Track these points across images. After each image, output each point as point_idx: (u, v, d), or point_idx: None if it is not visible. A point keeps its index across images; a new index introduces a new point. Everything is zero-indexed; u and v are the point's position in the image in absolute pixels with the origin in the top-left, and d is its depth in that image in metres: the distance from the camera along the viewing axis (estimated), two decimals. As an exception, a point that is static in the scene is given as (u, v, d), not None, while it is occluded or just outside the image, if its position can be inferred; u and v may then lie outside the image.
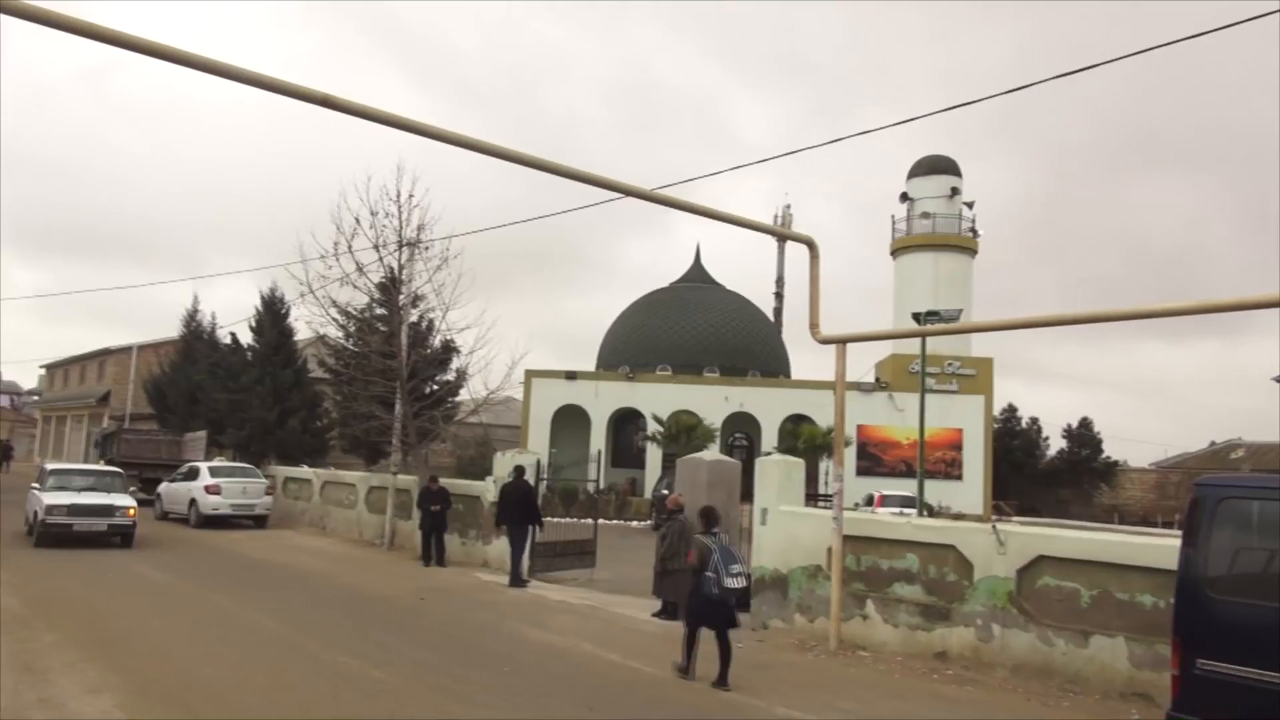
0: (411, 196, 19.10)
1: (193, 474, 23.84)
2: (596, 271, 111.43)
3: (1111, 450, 51.70)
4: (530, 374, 40.90)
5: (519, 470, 15.98)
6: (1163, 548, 8.40)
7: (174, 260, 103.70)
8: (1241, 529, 5.83)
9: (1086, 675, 8.87)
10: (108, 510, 17.39)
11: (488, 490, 17.57)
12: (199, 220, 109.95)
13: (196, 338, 37.03)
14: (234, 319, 69.71)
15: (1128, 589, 8.73)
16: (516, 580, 15.11)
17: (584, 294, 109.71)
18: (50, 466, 19.61)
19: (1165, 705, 5.94)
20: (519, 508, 15.54)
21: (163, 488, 25.02)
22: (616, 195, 10.16)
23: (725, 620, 8.79)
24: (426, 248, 19.35)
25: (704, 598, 8.76)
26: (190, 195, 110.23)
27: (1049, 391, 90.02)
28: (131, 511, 17.53)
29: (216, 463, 25.36)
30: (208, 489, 22.82)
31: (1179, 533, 6.23)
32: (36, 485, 18.82)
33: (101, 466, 19.73)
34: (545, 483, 18.02)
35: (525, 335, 45.13)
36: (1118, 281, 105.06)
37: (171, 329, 39.89)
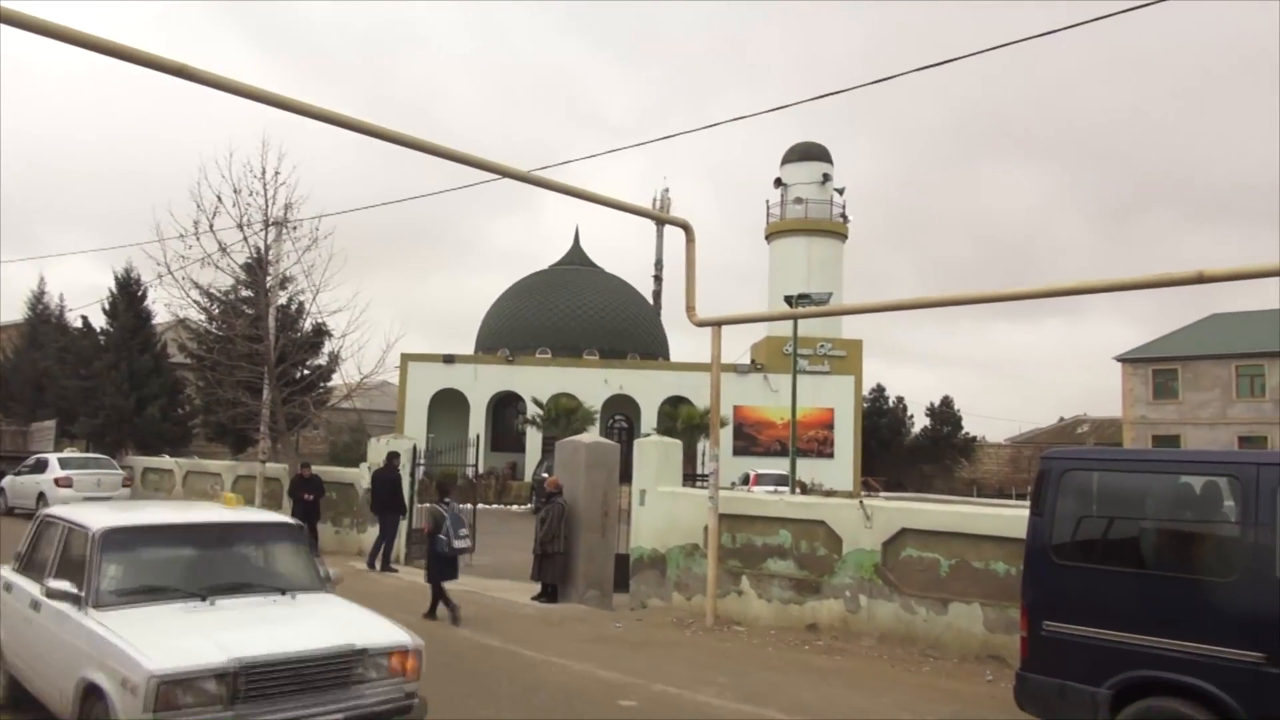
0: (278, 174, 18.40)
1: (40, 466, 22.41)
2: (471, 253, 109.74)
3: (971, 427, 54.63)
4: (406, 357, 40.11)
5: (392, 457, 15.79)
6: (1014, 518, 8.90)
7: (7, 238, 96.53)
8: (1082, 499, 6.23)
9: (946, 641, 9.35)
10: (343, 675, 5.26)
11: (362, 477, 17.20)
12: (35, 196, 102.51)
13: (43, 321, 34.73)
14: (83, 301, 65.50)
15: (983, 558, 9.22)
16: (386, 566, 15.10)
17: (460, 276, 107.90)
18: (108, 525, 5.85)
19: (1016, 665, 6.31)
20: (390, 495, 15.44)
21: (6, 481, 23.52)
22: (492, 176, 10.01)
23: (452, 574, 11.01)
24: (294, 227, 18.69)
25: (438, 555, 10.86)
26: (24, 168, 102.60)
27: (912, 372, 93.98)
28: (410, 662, 5.56)
29: (67, 454, 23.91)
30: (58, 482, 21.48)
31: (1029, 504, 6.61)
32: (19, 574, 6.50)
33: (239, 514, 6.83)
34: (423, 468, 17.73)
35: (400, 318, 44.35)
36: (969, 265, 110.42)
37: (13, 312, 37.36)
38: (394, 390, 42.81)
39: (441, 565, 10.93)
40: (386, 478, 15.54)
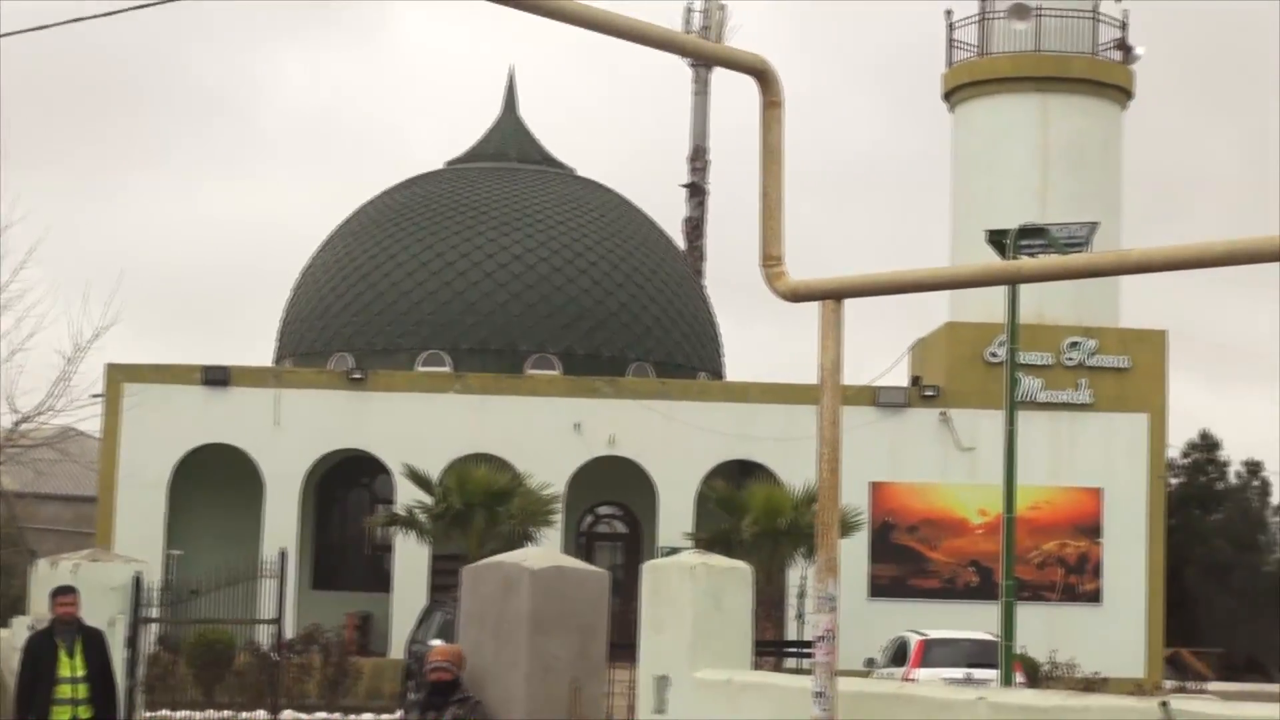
0: None
1: None
2: (251, 128, 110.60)
3: None
4: (119, 374, 40.28)
5: (61, 595, 15.76)
6: None
7: None
8: None
9: None
10: None
11: (12, 653, 17.26)
12: None
13: None
14: None
15: None
16: None
17: (227, 182, 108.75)
18: None
19: None
20: (49, 686, 15.45)
21: None
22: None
23: None
24: None
25: None
26: None
27: (1269, 404, 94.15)
28: None
29: None
30: None
31: None
32: None
33: None
34: (156, 628, 17.76)
35: (102, 282, 44.37)
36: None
37: None
38: (90, 448, 42.90)
39: None
40: (44, 652, 15.54)
